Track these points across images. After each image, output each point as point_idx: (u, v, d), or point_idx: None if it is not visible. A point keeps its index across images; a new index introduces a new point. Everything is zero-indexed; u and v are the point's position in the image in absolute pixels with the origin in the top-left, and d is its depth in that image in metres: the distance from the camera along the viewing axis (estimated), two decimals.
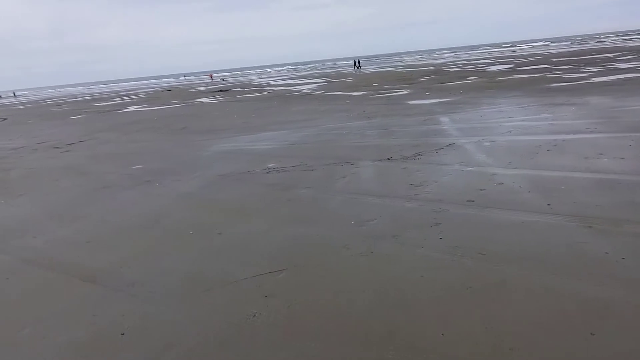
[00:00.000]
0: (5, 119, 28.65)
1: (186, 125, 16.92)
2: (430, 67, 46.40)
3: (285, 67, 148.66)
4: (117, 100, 39.78)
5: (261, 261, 4.54)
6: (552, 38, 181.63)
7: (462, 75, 30.55)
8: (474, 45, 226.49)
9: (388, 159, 8.26)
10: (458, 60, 58.49)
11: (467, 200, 5.67)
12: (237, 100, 28.24)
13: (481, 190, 6.03)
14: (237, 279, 4.20)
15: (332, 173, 7.68)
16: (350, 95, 23.33)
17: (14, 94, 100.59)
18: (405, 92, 22.35)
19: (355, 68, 64.91)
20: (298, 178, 7.54)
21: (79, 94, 68.48)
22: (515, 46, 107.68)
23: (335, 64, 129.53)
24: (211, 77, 78.29)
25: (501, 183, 6.26)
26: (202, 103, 28.49)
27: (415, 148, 8.94)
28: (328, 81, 40.34)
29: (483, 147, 8.45)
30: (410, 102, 17.44)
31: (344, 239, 4.89)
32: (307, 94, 27.23)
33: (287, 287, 4.01)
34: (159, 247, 5.21)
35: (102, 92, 69.04)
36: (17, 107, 43.87)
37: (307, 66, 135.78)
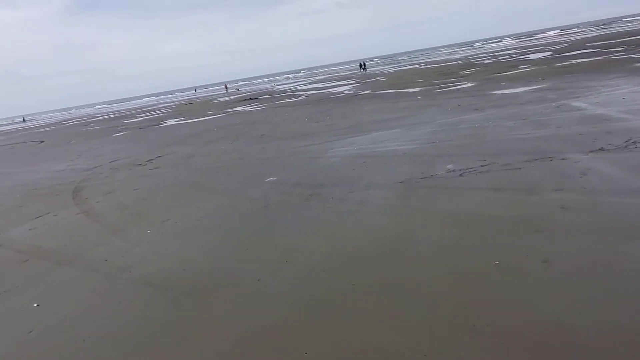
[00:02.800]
0: (42, 142, 27.54)
1: (262, 132, 15.68)
2: (457, 62, 45.15)
3: (292, 74, 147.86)
4: (146, 116, 38.67)
5: None
6: (560, 26, 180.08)
7: (511, 64, 29.26)
8: (475, 40, 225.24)
9: (601, 149, 6.97)
10: (480, 54, 57.20)
11: None
12: (280, 106, 27.06)
13: None
14: None
15: (554, 170, 6.39)
16: (409, 92, 22.05)
17: (24, 119, 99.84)
18: (468, 84, 21.06)
19: (362, 70, 64.42)
20: (521, 179, 6.25)
21: (97, 114, 67.61)
22: (533, 36, 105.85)
23: (338, 68, 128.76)
24: (226, 88, 77.32)
25: None
26: (244, 111, 27.29)
27: (609, 136, 7.65)
28: (358, 82, 39.13)
29: None
30: (497, 92, 16.16)
31: None
32: (354, 95, 25.99)
33: None
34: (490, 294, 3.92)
35: (118, 110, 68.18)
36: (41, 130, 42.84)
37: (312, 72, 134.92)
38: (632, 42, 31.33)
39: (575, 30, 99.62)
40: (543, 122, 9.68)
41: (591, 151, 6.93)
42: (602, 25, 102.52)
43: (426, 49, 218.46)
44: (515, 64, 29.17)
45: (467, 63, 40.34)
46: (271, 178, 8.66)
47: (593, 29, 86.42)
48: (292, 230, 5.73)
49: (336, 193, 6.95)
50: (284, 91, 44.40)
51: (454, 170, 7.09)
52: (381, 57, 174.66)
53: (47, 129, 42.84)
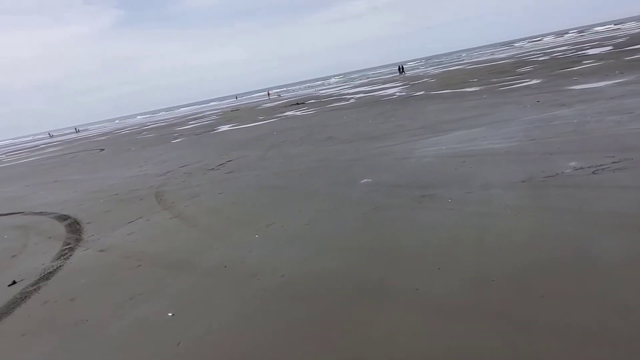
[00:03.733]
0: (102, 149, 28.30)
1: (328, 135, 15.36)
2: (507, 61, 43.69)
3: (330, 79, 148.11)
4: (196, 123, 39.28)
5: None
6: (603, 22, 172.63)
7: (572, 60, 27.90)
8: (512, 40, 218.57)
9: None
10: (527, 52, 55.26)
11: None
12: (333, 109, 26.76)
13: None
14: None
15: None
16: (469, 92, 21.25)
17: (76, 129, 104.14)
18: (534, 81, 20.08)
19: (400, 73, 63.93)
20: None
21: (145, 123, 69.53)
22: (584, 32, 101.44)
23: (375, 72, 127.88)
24: (269, 95, 78.04)
25: None
26: (297, 116, 27.13)
27: None
28: (405, 84, 38.41)
29: None
30: (575, 88, 15.23)
31: None
32: (408, 97, 25.36)
33: None
34: None
35: (165, 119, 69.95)
36: (97, 140, 44.28)
37: (350, 76, 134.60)
38: None
39: (620, 26, 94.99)
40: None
41: None
42: None
43: (463, 50, 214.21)
44: (576, 60, 27.80)
45: (519, 61, 38.94)
46: (365, 180, 8.27)
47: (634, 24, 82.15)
48: (424, 233, 5.29)
49: (451, 194, 6.47)
50: (329, 95, 44.19)
51: (581, 168, 6.47)
52: (419, 60, 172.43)
53: (102, 138, 44.24)
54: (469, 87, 23.78)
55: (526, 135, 9.30)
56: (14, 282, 6.16)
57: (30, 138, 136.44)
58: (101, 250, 6.97)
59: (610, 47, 33.94)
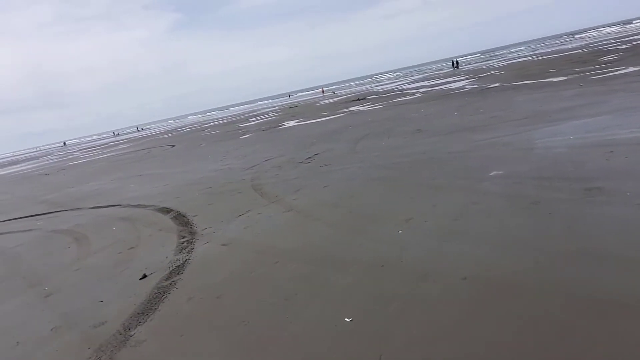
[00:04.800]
0: (173, 146, 28.83)
1: (415, 127, 14.59)
2: (581, 51, 40.97)
3: (383, 75, 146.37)
4: (257, 120, 39.47)
5: None
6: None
7: None
8: (566, 32, 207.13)
9: None
10: (596, 42, 51.74)
11: None
12: (401, 103, 25.89)
13: None
14: None
15: None
16: (556, 82, 19.77)
17: (137, 128, 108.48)
18: (631, 69, 18.37)
19: (454, 68, 62.55)
20: None
21: (204, 121, 71.12)
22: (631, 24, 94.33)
23: (428, 67, 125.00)
24: (323, 92, 77.84)
25: None
26: (364, 111, 26.47)
27: None
28: (471, 77, 36.79)
29: None
30: None
31: None
32: (483, 89, 24.05)
33: None
34: None
35: (223, 117, 71.27)
36: (163, 137, 45.48)
37: (403, 72, 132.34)
38: None
39: None
40: None
41: None
42: None
43: (520, 43, 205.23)
44: None
45: (595, 51, 36.39)
46: (495, 172, 7.50)
47: None
48: (623, 233, 4.50)
49: (625, 187, 5.61)
50: (389, 91, 43.22)
51: None
52: (473, 54, 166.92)
53: (167, 136, 45.40)
54: (553, 77, 22.23)
55: None
56: (145, 276, 5.89)
57: (96, 137, 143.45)
58: (224, 244, 6.62)
59: None
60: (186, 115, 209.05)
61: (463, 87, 29.12)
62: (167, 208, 9.85)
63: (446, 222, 5.70)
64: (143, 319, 4.68)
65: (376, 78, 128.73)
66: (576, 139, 8.58)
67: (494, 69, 42.28)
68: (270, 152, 15.93)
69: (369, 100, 35.67)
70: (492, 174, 7.45)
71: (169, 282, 5.55)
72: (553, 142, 8.79)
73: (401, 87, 45.37)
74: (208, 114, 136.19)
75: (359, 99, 38.37)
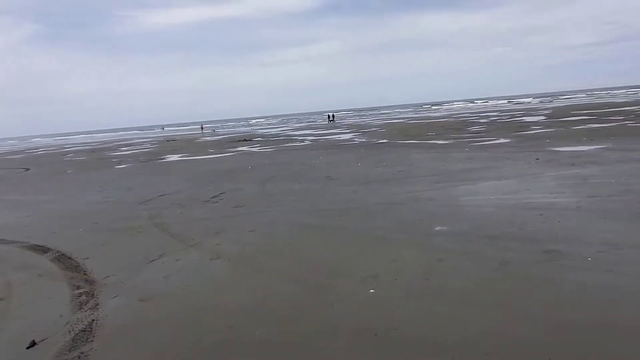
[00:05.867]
0: (28, 169, 24.54)
1: (324, 174, 14.26)
2: (446, 119, 46.07)
3: (258, 119, 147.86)
4: (132, 150, 36.12)
5: None
6: (521, 95, 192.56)
7: (518, 125, 29.72)
8: (426, 102, 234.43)
9: None
10: (454, 114, 59.02)
11: None
12: (291, 149, 25.85)
13: None
14: None
15: None
16: (442, 144, 21.47)
17: None
18: (503, 140, 20.78)
19: (330, 121, 65.93)
20: None
21: (64, 145, 63.26)
22: (512, 101, 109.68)
23: (304, 118, 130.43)
24: (202, 129, 75.29)
25: None
26: (255, 152, 25.82)
27: None
28: (355, 132, 38.71)
29: None
30: (562, 150, 15.69)
31: None
32: (373, 144, 25.19)
33: None
34: None
35: (88, 142, 64.39)
36: (12, 157, 39.01)
37: (280, 119, 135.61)
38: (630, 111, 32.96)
39: (543, 98, 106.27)
40: None
41: None
42: (547, 97, 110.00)
43: (384, 107, 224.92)
44: (522, 125, 29.68)
45: (461, 121, 41.11)
46: (439, 227, 7.28)
47: (547, 99, 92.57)
48: (597, 297, 4.37)
49: (582, 251, 5.68)
50: (275, 135, 43.34)
51: None
52: (344, 110, 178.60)
53: (18, 156, 38.99)
54: (436, 140, 24.15)
55: (578, 192, 8.96)
56: (34, 343, 4.22)
57: None
58: (142, 300, 5.19)
59: (543, 117, 36.96)
60: (48, 136, 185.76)
61: (352, 139, 30.24)
62: (41, 246, 7.79)
63: (419, 281, 5.15)
64: None
65: (258, 122, 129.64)
66: (498, 200, 8.90)
67: (374, 126, 45.17)
68: (162, 186, 14.17)
69: (256, 142, 35.15)
70: (436, 229, 7.21)
71: (75, 354, 4.00)
72: (477, 201, 9.00)
73: (286, 133, 45.86)
74: (81, 136, 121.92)
75: (245, 140, 37.62)
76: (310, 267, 5.85)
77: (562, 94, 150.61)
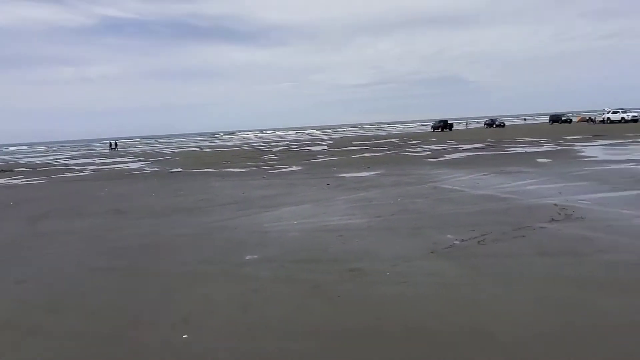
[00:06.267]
0: None
1: (110, 207, 12.65)
2: (236, 148, 47.16)
3: (23, 147, 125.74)
4: None
5: None
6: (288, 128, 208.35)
7: (308, 154, 32.21)
8: (230, 130, 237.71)
9: (552, 219, 8.29)
10: (245, 143, 61.15)
11: None
12: (68, 180, 22.78)
13: None
14: None
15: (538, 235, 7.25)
16: (240, 172, 21.68)
17: None
18: (295, 167, 22.17)
19: (111, 149, 64.02)
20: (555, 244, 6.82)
21: None
22: (299, 132, 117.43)
23: (82, 145, 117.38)
24: None
25: None
26: (18, 185, 21.99)
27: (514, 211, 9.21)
28: (146, 160, 36.29)
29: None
30: (346, 175, 17.45)
31: None
32: (167, 173, 23.93)
33: None
34: None
35: None
36: None
37: (50, 146, 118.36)
38: (399, 141, 38.91)
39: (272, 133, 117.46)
40: (455, 199, 10.92)
41: (552, 220, 8.21)
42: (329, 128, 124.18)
43: (174, 135, 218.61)
44: (310, 153, 32.29)
45: (254, 150, 42.50)
46: (250, 256, 7.05)
47: (330, 130, 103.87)
48: (410, 306, 4.76)
49: (380, 266, 6.16)
50: (45, 165, 37.44)
51: (466, 240, 7.25)
52: (122, 138, 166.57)
53: None
54: (232, 168, 24.24)
55: (367, 213, 9.90)
56: None
57: None
58: None
59: (326, 146, 40.93)
60: None
61: (142, 168, 28.13)
62: None
63: (237, 316, 4.79)
64: None
65: (19, 149, 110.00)
66: (300, 224, 9.19)
67: (166, 154, 43.14)
68: None
69: (20, 172, 29.70)
70: (247, 258, 6.97)
71: None
72: (281, 226, 9.13)
73: (60, 162, 40.10)
74: None
75: (3, 171, 31.36)
76: (109, 318, 4.89)
77: (340, 126, 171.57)
